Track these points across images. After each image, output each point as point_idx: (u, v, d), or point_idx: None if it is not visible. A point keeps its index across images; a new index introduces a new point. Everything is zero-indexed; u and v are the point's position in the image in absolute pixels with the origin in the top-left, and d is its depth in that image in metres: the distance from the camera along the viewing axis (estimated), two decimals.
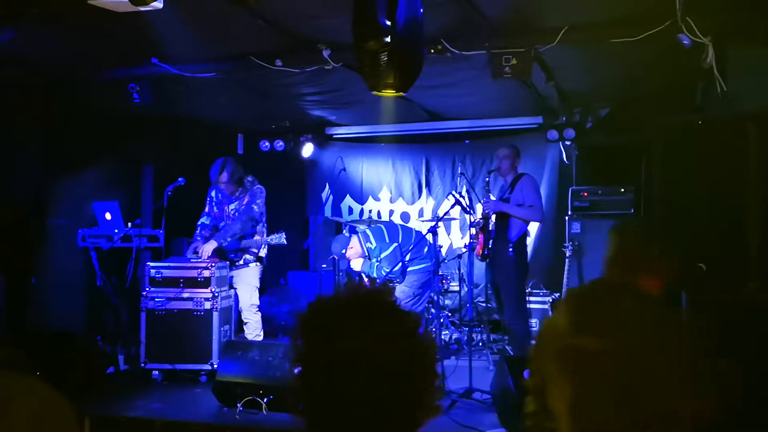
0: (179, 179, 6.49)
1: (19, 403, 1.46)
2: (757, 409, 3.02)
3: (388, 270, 6.75)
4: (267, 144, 9.30)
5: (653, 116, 5.63)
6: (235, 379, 5.13)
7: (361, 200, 9.48)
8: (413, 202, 9.29)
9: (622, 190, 7.36)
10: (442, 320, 7.26)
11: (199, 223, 6.60)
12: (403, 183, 9.33)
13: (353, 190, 9.49)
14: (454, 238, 8.98)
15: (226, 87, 7.04)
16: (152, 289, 6.08)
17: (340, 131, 9.46)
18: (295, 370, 1.41)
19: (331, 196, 9.30)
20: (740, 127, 4.29)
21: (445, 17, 5.34)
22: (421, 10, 4.20)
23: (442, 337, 7.15)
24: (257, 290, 6.49)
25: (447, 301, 7.88)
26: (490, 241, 6.17)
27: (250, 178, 6.50)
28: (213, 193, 6.59)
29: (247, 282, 6.43)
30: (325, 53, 5.94)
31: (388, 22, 4.02)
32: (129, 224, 6.96)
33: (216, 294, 6.02)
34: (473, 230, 6.39)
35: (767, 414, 3.15)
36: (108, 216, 7.12)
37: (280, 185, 7.82)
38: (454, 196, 6.61)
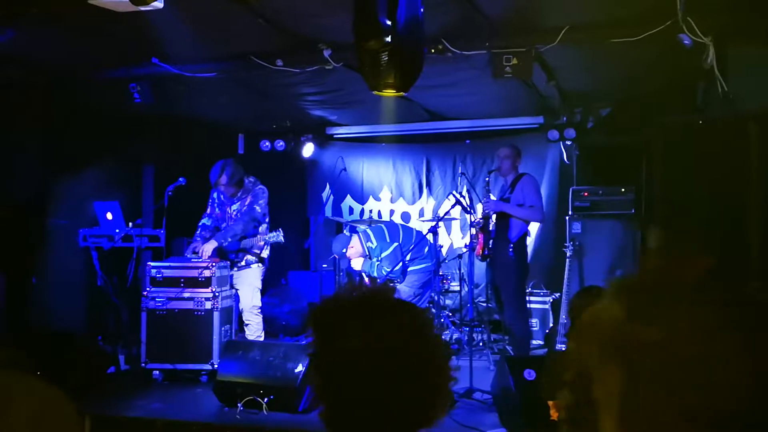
0: (180, 179, 6.48)
1: (20, 402, 1.46)
2: None
3: (388, 269, 6.75)
4: (267, 144, 9.30)
5: (654, 116, 5.64)
6: (235, 378, 5.13)
7: (362, 200, 9.47)
8: (414, 202, 9.29)
9: (623, 190, 7.35)
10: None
11: (200, 223, 6.60)
12: (404, 183, 9.33)
13: (354, 190, 9.49)
14: (454, 238, 8.97)
15: (227, 87, 7.04)
16: (153, 288, 6.08)
17: (341, 131, 9.46)
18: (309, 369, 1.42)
19: (331, 196, 9.30)
20: (741, 127, 4.29)
21: (446, 17, 5.34)
22: (422, 10, 4.20)
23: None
24: (259, 291, 6.46)
25: (447, 301, 7.87)
26: (491, 241, 6.16)
27: (251, 179, 6.49)
28: (215, 195, 6.59)
29: (249, 283, 6.41)
30: (326, 53, 5.94)
31: (389, 22, 4.02)
32: (130, 224, 6.96)
33: (217, 294, 6.01)
34: (473, 230, 6.38)
35: None
36: (109, 216, 7.12)
37: (281, 185, 7.82)
38: (454, 196, 6.61)
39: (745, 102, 5.02)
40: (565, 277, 6.65)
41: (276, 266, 7.46)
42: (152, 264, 6.19)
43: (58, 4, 4.94)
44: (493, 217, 6.20)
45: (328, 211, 9.20)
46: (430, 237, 6.88)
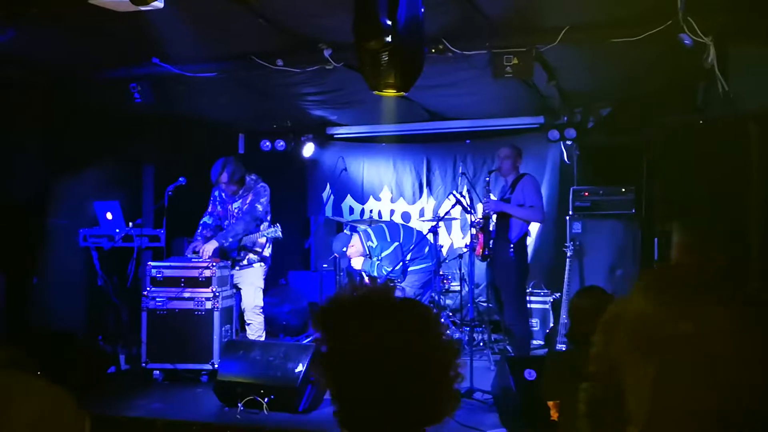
0: (180, 179, 6.48)
1: (21, 402, 1.46)
2: None
3: (389, 269, 6.75)
4: (268, 144, 9.30)
5: (654, 116, 5.64)
6: (236, 378, 5.14)
7: (362, 200, 9.47)
8: (414, 202, 9.29)
9: (624, 190, 7.35)
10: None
11: (201, 222, 6.59)
12: (404, 183, 9.33)
13: (354, 189, 9.49)
14: (454, 238, 8.97)
15: (227, 87, 7.04)
16: (153, 288, 6.08)
17: (341, 131, 9.46)
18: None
19: (332, 196, 9.30)
20: (741, 127, 4.29)
21: (446, 17, 5.33)
22: (422, 10, 4.19)
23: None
24: (261, 291, 6.44)
25: (448, 301, 7.87)
26: (491, 241, 6.15)
27: (253, 177, 6.47)
28: (216, 193, 6.59)
29: (251, 282, 6.40)
30: (326, 53, 5.94)
31: (389, 22, 4.01)
32: (130, 224, 6.96)
33: (217, 294, 6.01)
34: (474, 230, 6.38)
35: None
36: (109, 216, 7.12)
37: (281, 185, 7.82)
38: (454, 195, 6.61)
39: (745, 102, 5.02)
40: (566, 277, 6.65)
41: (276, 266, 7.46)
42: (152, 264, 6.19)
43: (58, 4, 4.93)
44: (494, 217, 6.20)
45: (329, 211, 9.21)
46: (430, 237, 6.88)
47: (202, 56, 6.32)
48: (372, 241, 7.08)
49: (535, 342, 6.99)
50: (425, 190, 9.21)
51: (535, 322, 7.38)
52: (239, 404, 4.94)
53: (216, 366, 5.78)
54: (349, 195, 9.50)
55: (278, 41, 5.91)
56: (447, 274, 7.61)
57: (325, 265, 8.51)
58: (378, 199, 9.43)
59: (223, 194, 6.52)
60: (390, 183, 9.38)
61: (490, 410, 4.97)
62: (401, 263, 6.80)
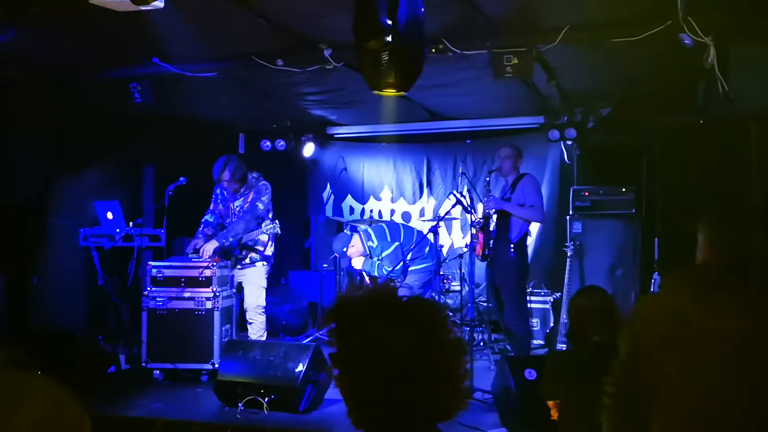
0: (180, 179, 6.48)
1: (25, 401, 1.46)
2: None
3: (389, 269, 6.75)
4: (268, 143, 9.30)
5: (655, 116, 5.65)
6: (236, 378, 5.14)
7: (363, 200, 9.48)
8: (414, 202, 9.29)
9: (624, 189, 7.35)
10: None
11: (202, 220, 6.60)
12: (405, 182, 9.33)
13: (354, 189, 9.49)
14: (455, 238, 8.98)
15: (228, 87, 7.04)
16: (153, 288, 6.08)
17: (341, 131, 9.46)
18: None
19: (332, 196, 9.30)
20: (742, 126, 4.28)
21: (446, 17, 5.33)
22: (422, 10, 4.20)
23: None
24: (264, 291, 6.43)
25: (448, 301, 7.87)
26: (491, 241, 6.15)
27: (254, 175, 6.47)
28: (218, 191, 6.59)
29: (254, 282, 6.39)
30: (326, 53, 5.94)
31: (389, 22, 4.01)
32: (130, 224, 6.96)
33: (217, 293, 6.01)
34: (474, 230, 6.38)
35: None
36: (109, 215, 7.12)
37: (281, 185, 7.81)
38: (455, 195, 6.60)
39: (745, 102, 5.01)
40: (566, 276, 6.66)
41: (276, 266, 7.47)
42: (153, 263, 6.19)
43: (58, 4, 4.93)
44: (494, 217, 6.19)
45: (329, 211, 9.20)
46: (430, 237, 6.87)
47: (203, 56, 6.32)
48: (372, 241, 7.08)
49: (535, 342, 6.99)
50: (425, 189, 9.21)
51: (535, 322, 7.38)
52: (239, 404, 4.94)
53: (216, 366, 5.78)
54: (349, 195, 9.51)
55: (278, 41, 5.92)
56: (447, 274, 7.61)
57: (325, 265, 8.51)
58: (378, 198, 9.43)
59: (224, 192, 6.52)
60: (390, 183, 9.39)
61: (490, 410, 4.97)
62: (402, 263, 6.80)
